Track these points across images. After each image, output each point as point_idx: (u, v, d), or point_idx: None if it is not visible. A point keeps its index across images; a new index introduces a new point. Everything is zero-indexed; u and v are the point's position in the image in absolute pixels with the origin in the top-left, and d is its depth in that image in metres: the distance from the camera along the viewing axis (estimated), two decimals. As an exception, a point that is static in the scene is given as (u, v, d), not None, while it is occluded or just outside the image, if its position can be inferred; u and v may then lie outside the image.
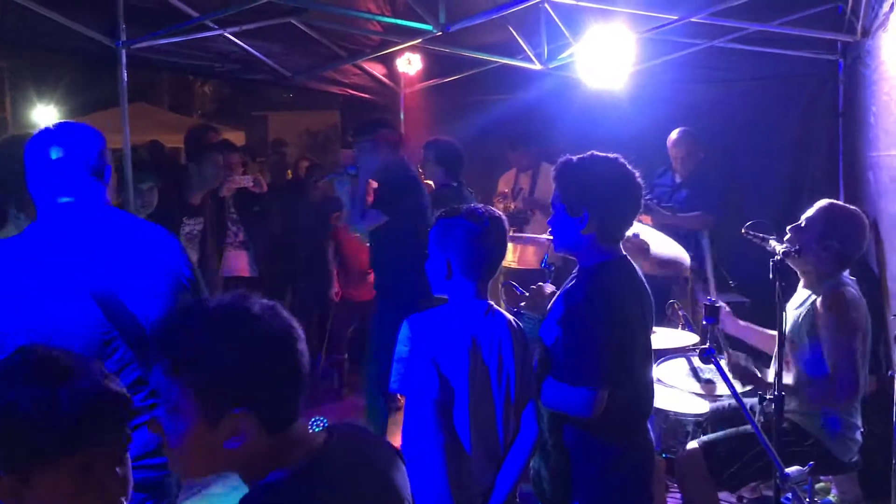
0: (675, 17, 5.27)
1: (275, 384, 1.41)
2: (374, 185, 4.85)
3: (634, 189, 2.67)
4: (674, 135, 6.07)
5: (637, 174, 2.68)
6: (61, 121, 2.65)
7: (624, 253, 2.74)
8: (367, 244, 5.00)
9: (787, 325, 3.42)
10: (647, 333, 2.77)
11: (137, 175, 4.76)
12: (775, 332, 3.62)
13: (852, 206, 3.56)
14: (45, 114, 14.47)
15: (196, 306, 1.47)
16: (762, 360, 3.77)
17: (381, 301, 4.86)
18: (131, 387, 2.32)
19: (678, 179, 6.14)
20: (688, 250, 4.37)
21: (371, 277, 6.39)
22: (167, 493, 2.48)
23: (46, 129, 2.48)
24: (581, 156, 2.68)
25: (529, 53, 6.07)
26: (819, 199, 3.60)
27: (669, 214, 5.82)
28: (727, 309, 3.70)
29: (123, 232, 2.43)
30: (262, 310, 1.44)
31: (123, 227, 2.45)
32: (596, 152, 2.68)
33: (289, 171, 8.38)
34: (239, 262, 5.78)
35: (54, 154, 2.41)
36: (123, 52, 4.60)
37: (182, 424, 1.41)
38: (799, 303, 3.51)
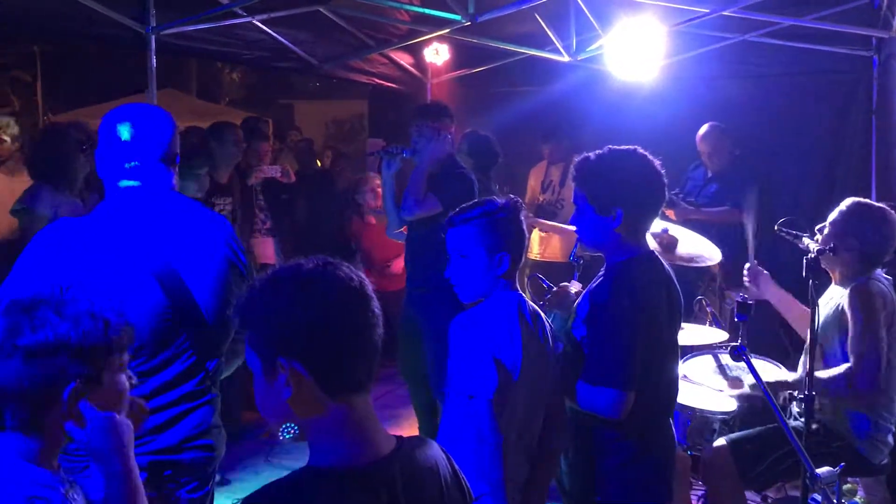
0: (707, 11, 5.22)
1: (317, 336, 1.41)
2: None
3: (660, 181, 2.63)
4: (702, 130, 6.02)
5: (658, 164, 2.64)
6: (137, 102, 2.64)
7: (651, 248, 2.72)
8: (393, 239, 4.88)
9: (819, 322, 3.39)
10: (674, 330, 2.73)
11: (194, 161, 4.82)
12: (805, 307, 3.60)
13: (879, 204, 3.51)
14: (75, 98, 14.59)
15: (276, 267, 1.51)
16: (792, 337, 3.72)
17: (427, 297, 4.54)
18: (186, 372, 2.36)
19: (710, 174, 6.09)
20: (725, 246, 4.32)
21: (393, 268, 6.40)
22: (212, 476, 2.51)
23: (123, 109, 2.45)
24: (599, 152, 2.63)
25: (558, 45, 6.03)
26: (851, 196, 3.55)
27: (693, 209, 5.77)
28: (766, 273, 3.67)
29: (186, 218, 2.43)
30: (316, 265, 1.45)
31: (186, 213, 2.44)
32: (613, 146, 2.64)
33: (317, 160, 8.40)
34: (266, 249, 5.80)
35: (126, 135, 2.38)
36: (153, 37, 4.62)
37: (256, 378, 1.48)
38: (827, 300, 3.47)
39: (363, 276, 1.50)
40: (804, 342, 3.51)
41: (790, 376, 3.43)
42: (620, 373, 2.46)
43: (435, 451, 1.61)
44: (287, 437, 1.44)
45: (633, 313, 2.49)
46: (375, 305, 1.48)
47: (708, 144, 6.00)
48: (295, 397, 1.41)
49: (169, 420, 2.34)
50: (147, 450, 2.31)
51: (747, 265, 3.51)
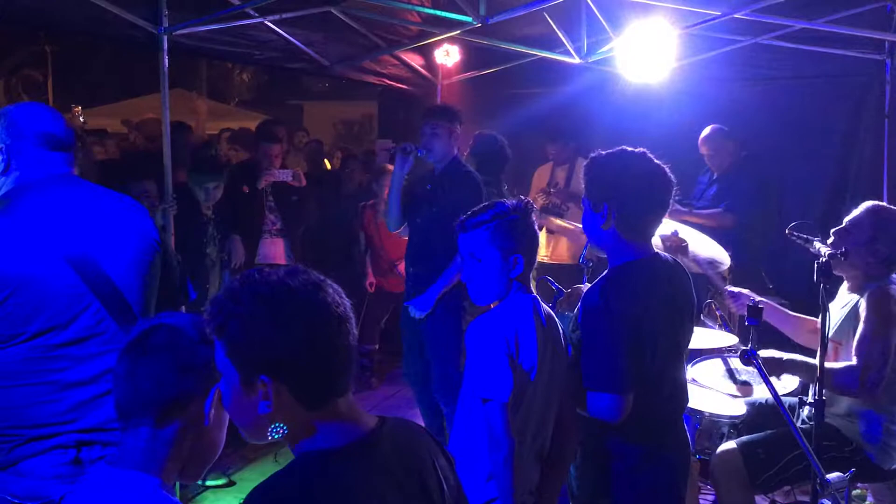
0: (719, 13, 5.19)
1: (302, 361, 1.46)
2: None
3: (659, 184, 2.62)
4: (704, 132, 6.03)
5: (667, 169, 2.64)
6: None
7: (657, 251, 2.70)
8: (405, 237, 4.89)
9: (831, 325, 3.36)
10: (677, 334, 2.70)
11: (206, 176, 5.05)
12: (806, 317, 3.57)
13: None
14: (86, 98, 14.63)
15: (254, 276, 1.52)
16: (796, 352, 3.70)
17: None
18: (111, 339, 2.42)
19: (714, 176, 6.09)
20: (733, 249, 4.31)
21: (400, 267, 6.40)
22: None
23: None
24: (609, 151, 2.66)
25: (569, 47, 6.01)
26: (862, 201, 3.52)
27: (686, 210, 5.74)
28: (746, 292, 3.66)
29: (94, 199, 2.53)
30: (304, 287, 1.49)
31: (93, 195, 2.55)
32: (626, 147, 2.66)
33: (326, 162, 8.41)
34: (275, 250, 5.82)
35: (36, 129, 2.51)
36: (165, 38, 4.63)
37: (226, 386, 1.52)
38: (843, 304, 3.45)
39: (343, 294, 1.55)
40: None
41: (784, 355, 3.39)
42: (612, 377, 2.47)
43: (410, 423, 1.70)
44: (276, 436, 1.47)
45: (622, 318, 2.49)
46: (353, 325, 1.54)
47: (709, 146, 6.01)
48: (273, 414, 1.48)
49: (94, 397, 2.38)
50: (73, 428, 2.36)
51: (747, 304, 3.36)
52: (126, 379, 1.70)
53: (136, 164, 5.90)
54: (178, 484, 4.07)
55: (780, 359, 3.31)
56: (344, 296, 1.55)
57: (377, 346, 6.80)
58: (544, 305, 2.57)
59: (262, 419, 1.49)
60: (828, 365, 3.24)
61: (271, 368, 1.46)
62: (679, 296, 2.69)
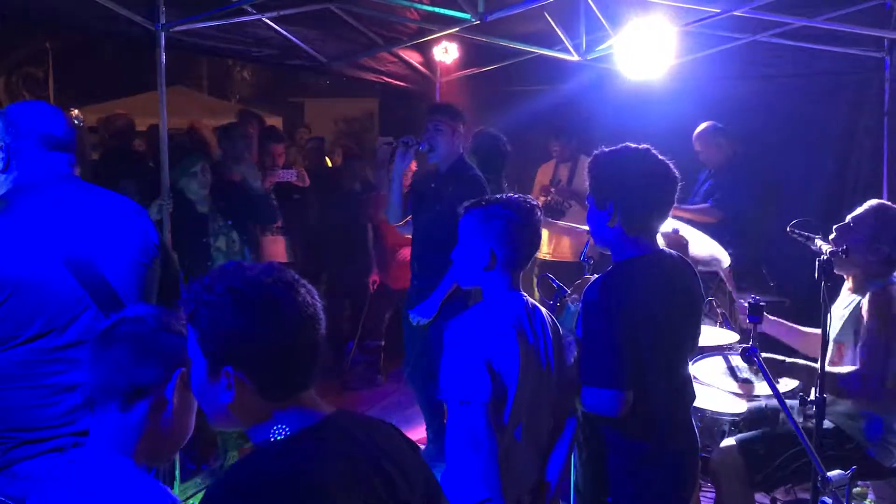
0: (718, 11, 5.18)
1: (265, 355, 1.52)
2: None
3: (664, 181, 2.63)
4: (698, 128, 6.02)
5: (671, 166, 2.64)
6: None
7: (661, 248, 2.70)
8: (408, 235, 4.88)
9: (834, 327, 3.35)
10: (679, 330, 2.69)
11: (187, 160, 4.91)
12: (811, 330, 3.56)
13: None
14: (86, 95, 14.60)
15: (230, 269, 1.57)
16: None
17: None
18: None
19: (710, 172, 6.10)
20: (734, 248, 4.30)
21: (401, 254, 6.39)
22: None
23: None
24: (613, 148, 2.66)
25: (567, 44, 6.00)
26: (862, 199, 3.52)
27: (676, 206, 5.72)
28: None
29: (93, 200, 2.52)
30: (275, 284, 1.54)
31: (93, 196, 2.54)
32: (629, 144, 2.66)
33: (327, 159, 8.39)
34: (276, 248, 5.82)
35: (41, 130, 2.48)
36: (163, 34, 4.61)
37: (195, 372, 1.57)
38: (845, 304, 3.44)
39: (316, 295, 1.59)
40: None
41: (786, 359, 3.39)
42: (610, 373, 2.46)
43: (374, 418, 1.74)
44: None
45: (620, 314, 2.48)
46: (322, 326, 1.59)
47: (701, 143, 6.02)
48: (235, 403, 1.53)
49: None
50: (69, 431, 2.35)
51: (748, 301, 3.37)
52: (90, 367, 1.78)
53: (120, 162, 5.90)
54: (177, 484, 4.08)
55: (782, 361, 3.31)
56: (317, 296, 1.59)
57: (383, 343, 6.79)
58: (535, 303, 2.56)
59: (225, 407, 1.54)
60: (832, 369, 3.24)
61: (236, 359, 1.51)
62: (683, 292, 2.69)
